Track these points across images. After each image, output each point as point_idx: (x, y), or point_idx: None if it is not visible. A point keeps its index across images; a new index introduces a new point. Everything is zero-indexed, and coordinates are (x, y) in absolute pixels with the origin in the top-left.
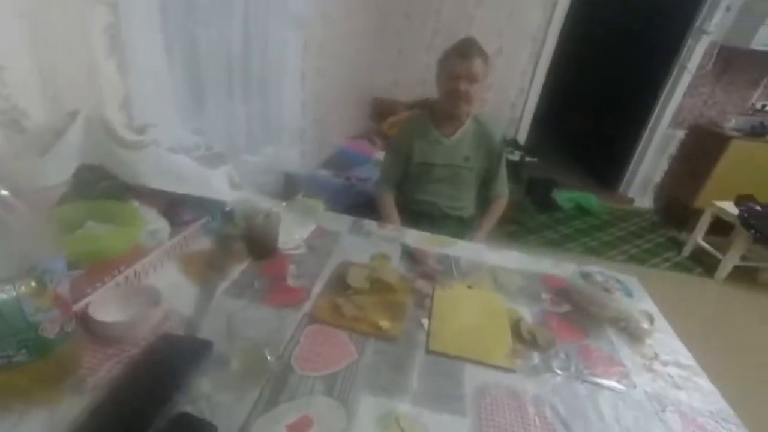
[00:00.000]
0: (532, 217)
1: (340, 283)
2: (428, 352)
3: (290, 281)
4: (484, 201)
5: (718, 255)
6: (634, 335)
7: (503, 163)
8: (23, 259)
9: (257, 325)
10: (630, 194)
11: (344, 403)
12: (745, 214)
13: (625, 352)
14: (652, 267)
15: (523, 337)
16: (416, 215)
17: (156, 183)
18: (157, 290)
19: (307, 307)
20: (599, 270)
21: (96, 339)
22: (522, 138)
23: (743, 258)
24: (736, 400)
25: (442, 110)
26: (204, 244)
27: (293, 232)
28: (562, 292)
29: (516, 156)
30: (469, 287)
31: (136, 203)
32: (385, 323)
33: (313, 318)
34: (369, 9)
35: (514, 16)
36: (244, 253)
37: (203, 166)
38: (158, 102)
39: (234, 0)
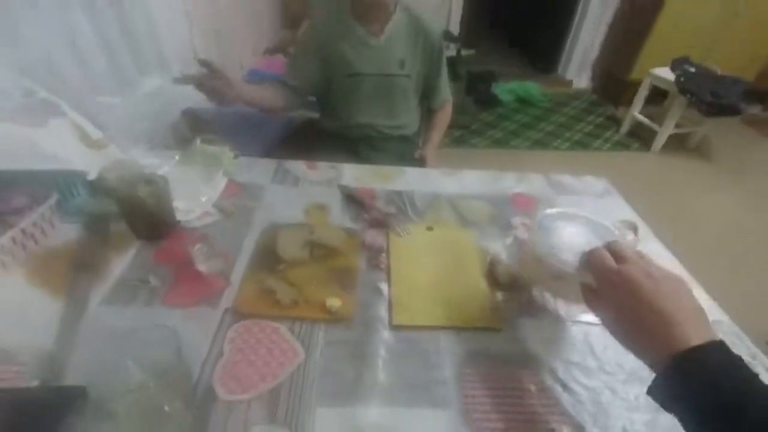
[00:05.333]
0: (475, 117)
1: (268, 258)
2: (393, 327)
3: (200, 266)
4: (427, 112)
5: (655, 127)
6: None
7: (444, 64)
8: None
9: (153, 346)
10: (569, 75)
11: (293, 427)
12: (681, 78)
13: None
14: (594, 150)
15: (499, 282)
16: (352, 143)
17: None
18: None
19: (228, 299)
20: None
21: None
22: (455, 28)
23: (678, 126)
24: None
25: None
26: (61, 235)
27: (196, 195)
28: (534, 213)
29: (452, 50)
30: (430, 229)
31: None
32: (334, 301)
33: (238, 313)
34: None
35: None
36: (127, 238)
37: (24, 125)
38: None
39: None
